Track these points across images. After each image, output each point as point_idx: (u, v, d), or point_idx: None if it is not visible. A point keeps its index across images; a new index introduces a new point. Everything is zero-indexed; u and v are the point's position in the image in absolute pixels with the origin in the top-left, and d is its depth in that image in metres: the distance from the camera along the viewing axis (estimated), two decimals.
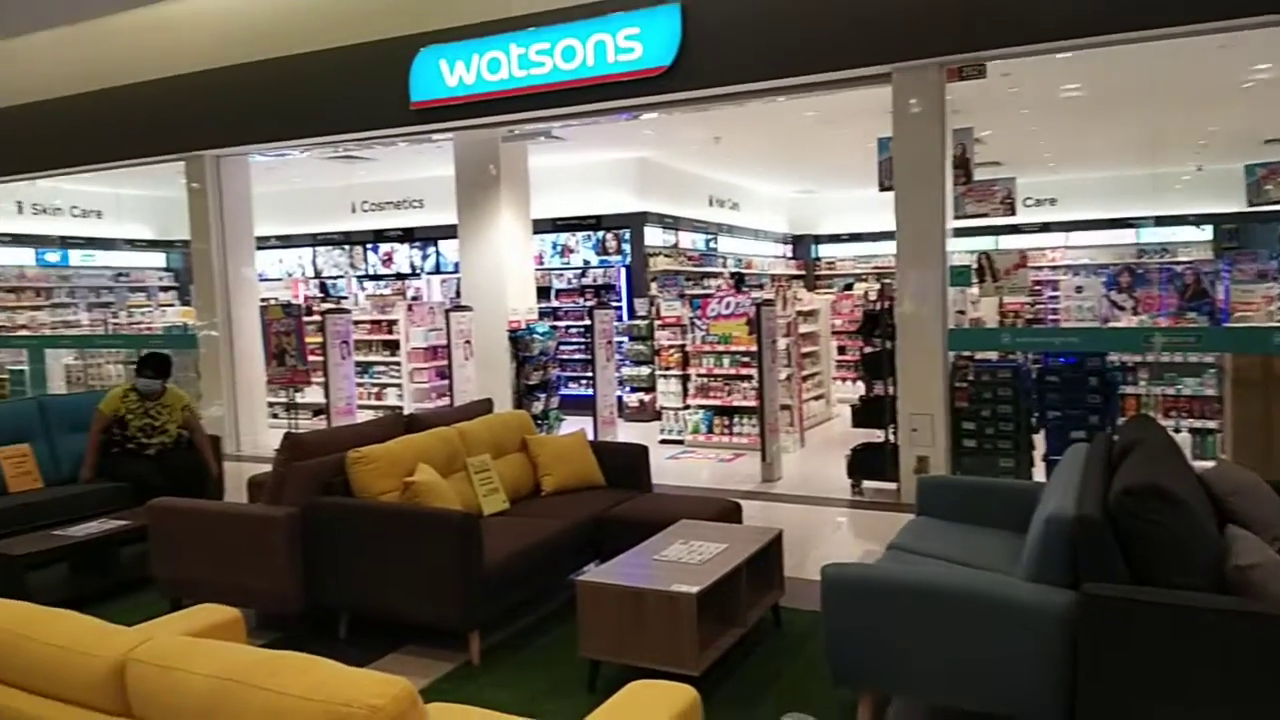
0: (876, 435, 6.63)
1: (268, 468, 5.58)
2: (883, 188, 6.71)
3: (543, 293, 11.28)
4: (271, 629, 4.29)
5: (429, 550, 3.84)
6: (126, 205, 13.80)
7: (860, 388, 7.28)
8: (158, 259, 14.78)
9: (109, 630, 1.80)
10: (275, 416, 9.70)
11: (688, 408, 8.97)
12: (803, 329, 9.24)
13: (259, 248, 9.76)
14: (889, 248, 6.95)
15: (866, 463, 6.64)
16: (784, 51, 6.23)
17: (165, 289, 14.53)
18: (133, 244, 14.31)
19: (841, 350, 11.21)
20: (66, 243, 13.34)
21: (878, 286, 7.54)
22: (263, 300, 9.44)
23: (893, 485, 6.46)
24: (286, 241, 14.13)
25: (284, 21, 8.16)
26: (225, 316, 9.00)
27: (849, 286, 13.55)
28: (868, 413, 6.79)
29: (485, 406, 5.58)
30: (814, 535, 5.80)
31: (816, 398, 9.86)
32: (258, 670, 1.53)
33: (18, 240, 12.69)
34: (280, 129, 8.29)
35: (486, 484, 4.71)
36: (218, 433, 7.48)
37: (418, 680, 3.69)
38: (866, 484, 6.67)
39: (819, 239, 17.53)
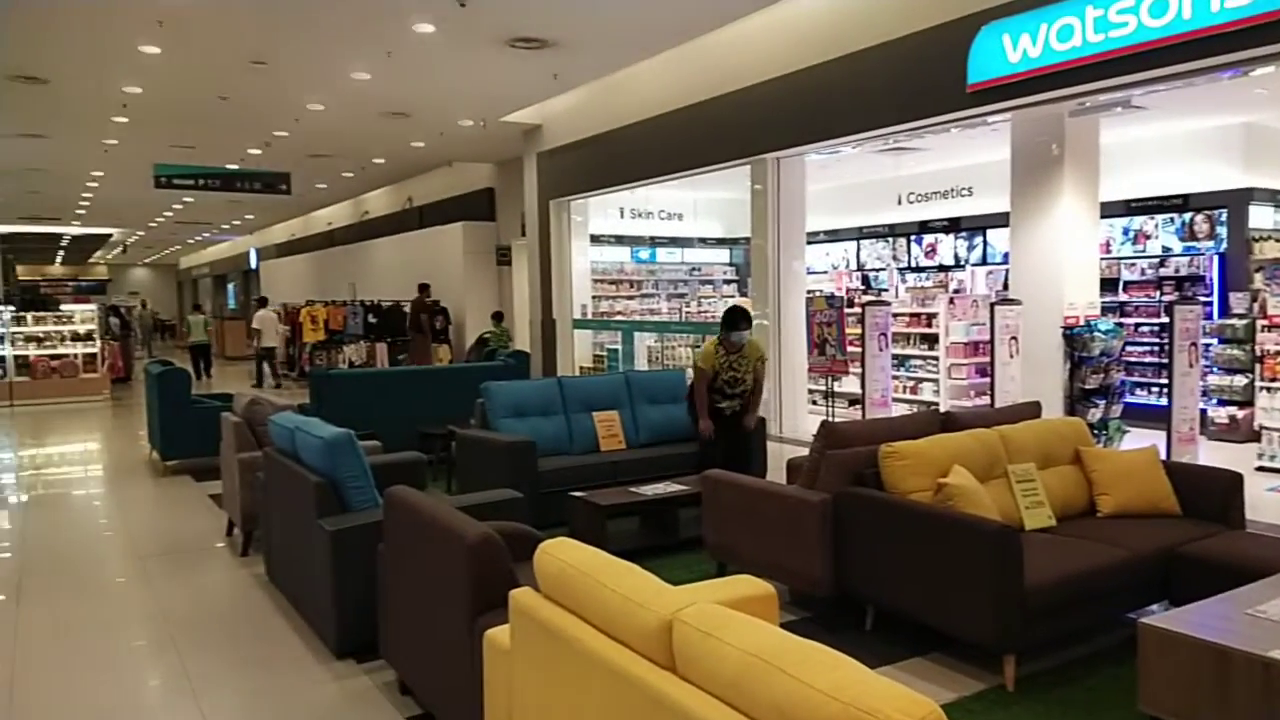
0: None
1: (803, 452, 5.83)
2: None
3: (1107, 285, 9.97)
4: (800, 607, 4.46)
5: (961, 558, 3.62)
6: (701, 207, 15.69)
7: None
8: (723, 255, 16.54)
9: (663, 589, 1.99)
10: (814, 404, 10.16)
11: None
12: None
13: (808, 242, 10.29)
14: None
15: None
16: None
17: (728, 282, 16.20)
18: (704, 242, 16.22)
19: None
20: (654, 242, 15.66)
21: None
22: (808, 291, 9.93)
23: None
24: (833, 236, 14.70)
25: (840, 25, 8.43)
26: (775, 307, 9.67)
27: None
28: None
29: (1033, 410, 5.11)
30: None
31: None
32: (788, 655, 1.55)
33: (619, 240, 15.24)
34: (836, 126, 8.60)
35: (1030, 495, 4.29)
36: (764, 414, 8.10)
37: (943, 694, 3.51)
38: None
39: None
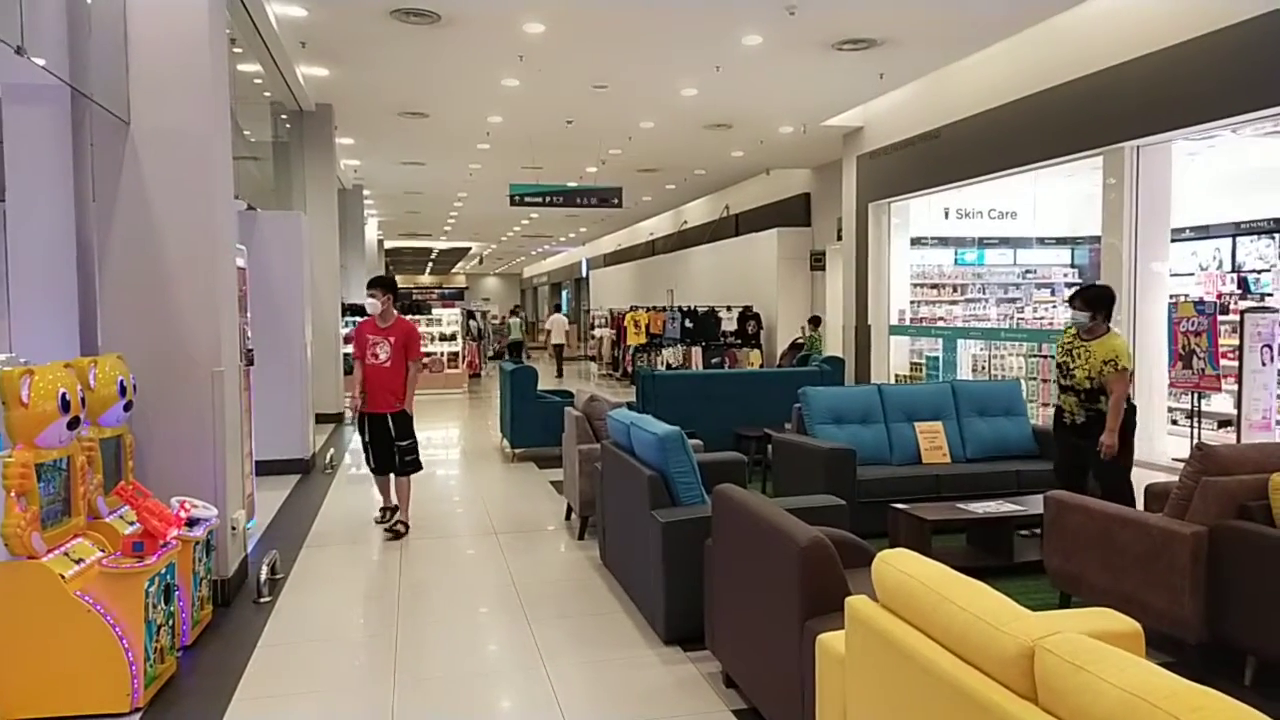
0: None
1: (1161, 476, 5.16)
2: None
3: None
4: (1160, 650, 3.97)
5: None
6: (1041, 204, 14.46)
7: None
8: (1064, 255, 15.11)
9: (1021, 613, 1.87)
10: (1174, 423, 8.96)
11: None
12: None
13: (1172, 240, 9.09)
14: None
15: None
16: None
17: (1069, 285, 14.78)
18: (1041, 242, 14.94)
19: None
20: (982, 242, 14.70)
21: None
22: (1171, 296, 8.78)
23: None
24: (1202, 232, 12.83)
25: None
26: (1130, 313, 8.66)
27: None
28: None
29: None
30: None
31: None
32: (1177, 700, 1.39)
33: (943, 242, 14.51)
34: (1217, 107, 7.50)
35: None
36: None
37: None
38: None
39: None
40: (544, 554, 6.04)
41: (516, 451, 9.73)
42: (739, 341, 16.82)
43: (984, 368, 11.22)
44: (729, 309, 17.16)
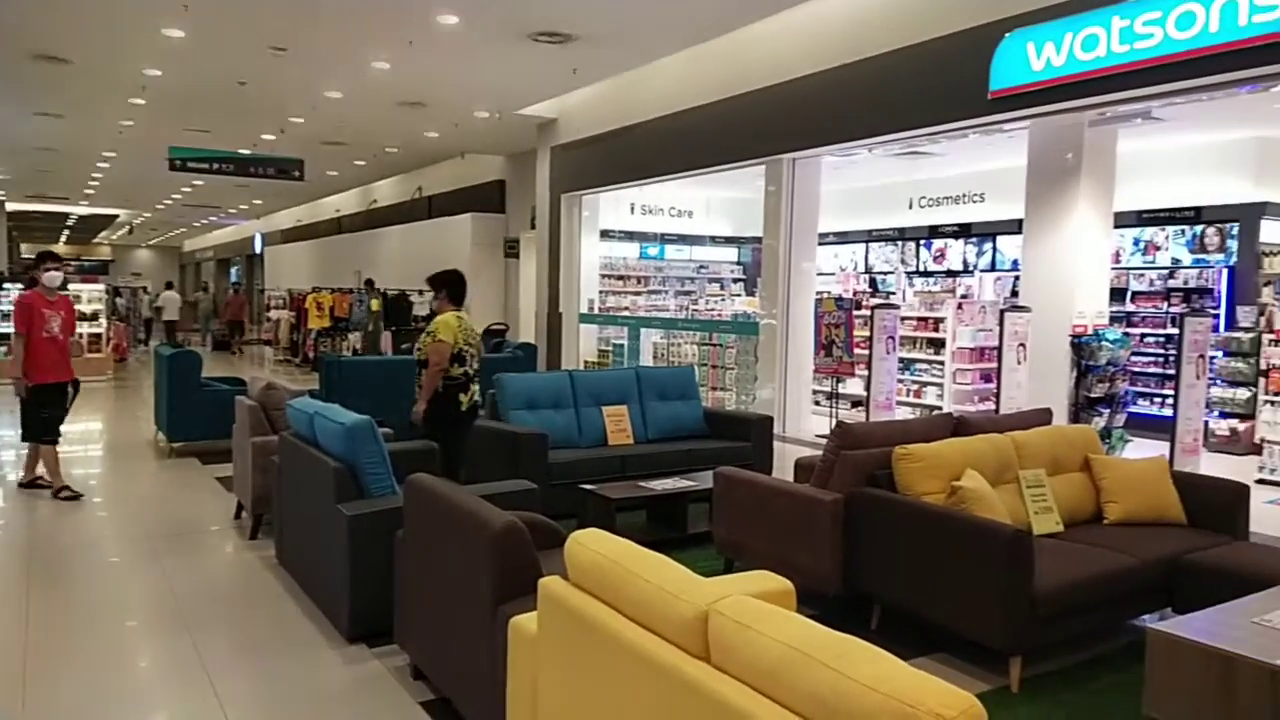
0: None
1: (808, 451, 5.86)
2: None
3: (1115, 295, 10.02)
4: (806, 605, 4.51)
5: (973, 560, 3.67)
6: (713, 206, 15.72)
7: None
8: (731, 254, 16.57)
9: (696, 580, 2.04)
10: (817, 404, 10.21)
11: None
12: None
13: (819, 244, 10.32)
14: None
15: None
16: None
17: (736, 280, 16.24)
18: (713, 240, 16.25)
19: None
20: (663, 238, 15.69)
21: None
22: (818, 293, 9.97)
23: None
24: (842, 238, 14.73)
25: (864, 26, 8.46)
26: (784, 307, 9.71)
27: None
28: None
29: (1044, 417, 5.15)
30: None
31: None
32: (827, 648, 1.59)
33: (629, 236, 15.28)
34: (856, 129, 8.62)
35: (1039, 501, 4.35)
36: (768, 413, 8.15)
37: None
38: None
39: None
40: (209, 557, 5.52)
41: (175, 446, 8.76)
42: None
43: (664, 355, 12.00)
44: (421, 293, 16.74)
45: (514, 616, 2.62)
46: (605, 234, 14.17)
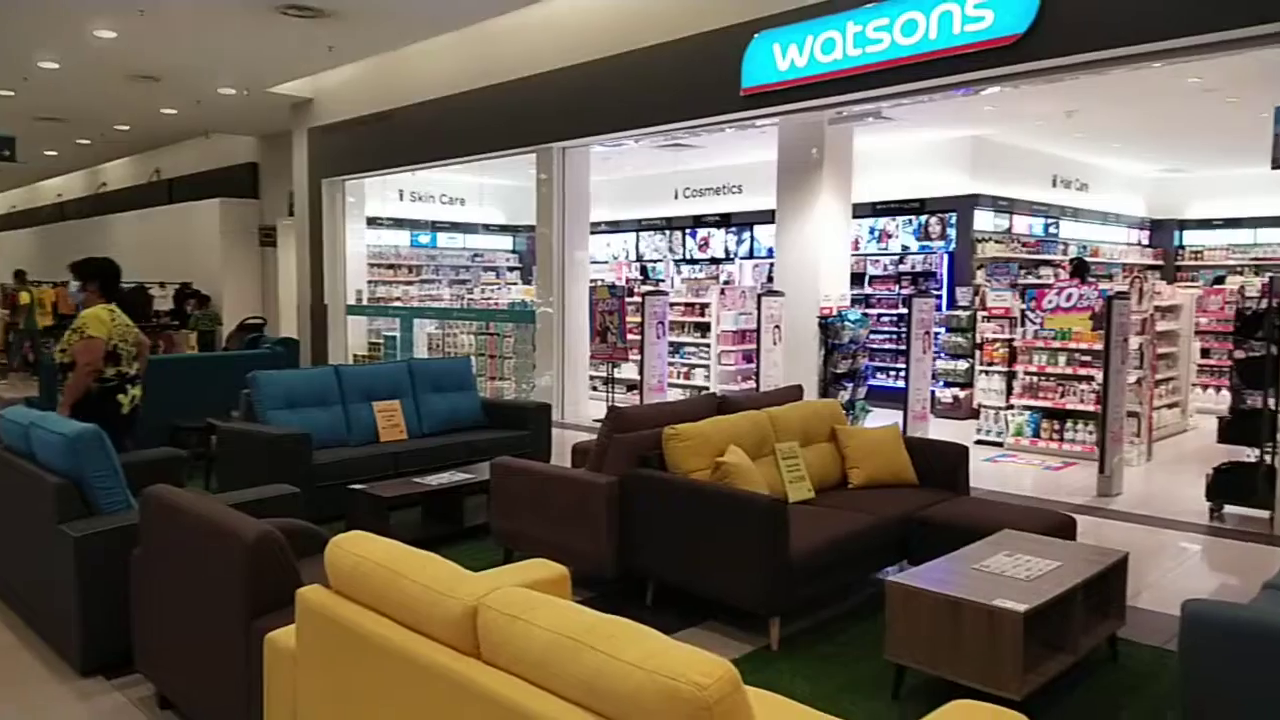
0: (1247, 454, 5.78)
1: (587, 436, 5.96)
2: (1276, 165, 5.71)
3: (856, 279, 10.97)
4: (584, 588, 4.59)
5: (736, 531, 3.89)
6: (485, 194, 15.49)
7: (1226, 397, 6.38)
8: (506, 242, 16.45)
9: (464, 576, 2.00)
10: (595, 389, 10.39)
11: (1011, 408, 8.29)
12: (1160, 327, 8.15)
13: (591, 232, 10.46)
14: (1275, 235, 5.90)
15: (1233, 484, 5.78)
16: (1166, 8, 5.45)
17: (511, 269, 16.14)
18: (487, 228, 16.05)
19: (1205, 354, 9.74)
20: (435, 226, 15.29)
21: (1260, 281, 6.45)
22: (592, 281, 10.12)
23: (1265, 514, 5.59)
24: (615, 227, 15.05)
25: (627, 20, 8.64)
26: (560, 295, 9.77)
27: (1220, 280, 11.71)
28: (1240, 427, 5.94)
29: (796, 393, 5.54)
30: (1155, 561, 5.13)
31: (1170, 405, 8.64)
32: (595, 632, 1.62)
33: (398, 224, 14.74)
34: (620, 120, 8.79)
35: (793, 471, 4.67)
36: (547, 401, 8.19)
37: None
38: (1230, 509, 5.82)
39: (1185, 224, 15.27)
40: None
41: None
42: (176, 323, 14.99)
43: (439, 346, 11.71)
44: (163, 285, 15.23)
45: (270, 632, 2.45)
46: (373, 221, 13.57)
